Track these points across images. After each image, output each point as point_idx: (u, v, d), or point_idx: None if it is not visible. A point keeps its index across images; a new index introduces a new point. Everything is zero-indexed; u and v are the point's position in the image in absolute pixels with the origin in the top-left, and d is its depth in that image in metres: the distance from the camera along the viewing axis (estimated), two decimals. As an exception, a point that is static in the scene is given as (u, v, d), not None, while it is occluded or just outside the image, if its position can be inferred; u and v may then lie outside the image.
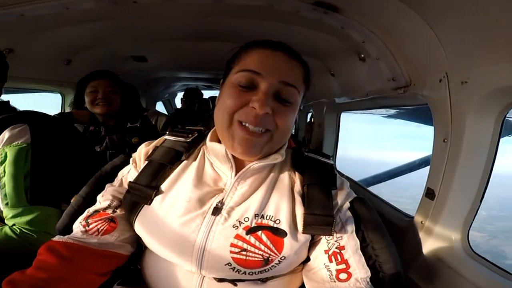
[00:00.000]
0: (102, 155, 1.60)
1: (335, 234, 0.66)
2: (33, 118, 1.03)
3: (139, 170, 0.72)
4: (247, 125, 0.62)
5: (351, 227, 0.68)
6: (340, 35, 1.14)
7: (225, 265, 0.61)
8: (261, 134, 0.64)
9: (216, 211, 0.64)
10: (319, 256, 0.68)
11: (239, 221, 0.63)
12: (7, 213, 0.92)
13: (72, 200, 0.81)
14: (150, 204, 0.66)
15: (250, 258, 0.61)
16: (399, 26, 0.96)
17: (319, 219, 0.65)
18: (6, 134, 0.94)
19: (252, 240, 0.62)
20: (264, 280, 0.67)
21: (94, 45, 1.79)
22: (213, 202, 0.65)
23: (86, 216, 0.69)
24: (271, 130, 0.65)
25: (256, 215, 0.64)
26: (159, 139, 0.78)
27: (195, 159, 0.73)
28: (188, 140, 0.75)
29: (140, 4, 1.09)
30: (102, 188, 0.75)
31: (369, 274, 0.66)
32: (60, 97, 2.21)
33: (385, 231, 0.72)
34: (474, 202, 0.90)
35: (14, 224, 0.92)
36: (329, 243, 0.67)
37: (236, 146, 0.64)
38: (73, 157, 1.11)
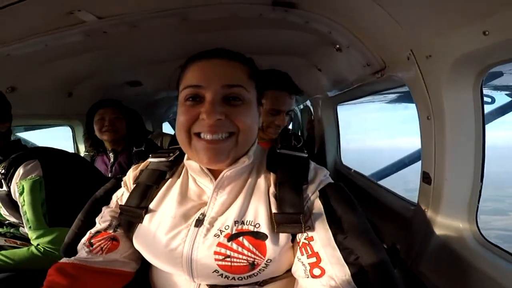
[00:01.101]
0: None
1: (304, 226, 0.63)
2: (42, 153, 1.16)
3: (129, 193, 0.76)
4: (205, 135, 0.64)
5: (319, 217, 0.64)
6: (308, 29, 1.14)
7: (213, 272, 0.63)
8: (224, 140, 0.64)
9: (199, 223, 0.66)
10: (296, 252, 0.66)
11: (220, 230, 0.64)
12: (31, 235, 1.05)
13: None
14: (142, 222, 0.70)
15: (235, 264, 0.62)
16: (358, 13, 0.96)
17: (288, 217, 0.63)
18: (20, 170, 1.06)
19: (235, 246, 0.62)
20: (260, 284, 0.67)
21: (90, 76, 1.88)
22: (196, 215, 0.68)
23: (88, 238, 0.72)
24: (234, 132, 0.65)
25: (236, 222, 0.65)
26: (144, 162, 0.82)
27: (179, 176, 0.76)
28: (170, 159, 0.79)
29: (111, 34, 1.16)
30: (98, 211, 0.79)
31: (347, 272, 0.58)
32: (70, 129, 2.34)
33: (363, 218, 0.64)
34: (474, 182, 0.85)
35: (38, 244, 1.04)
36: (299, 234, 0.65)
37: (201, 157, 0.65)
38: (83, 183, 1.19)
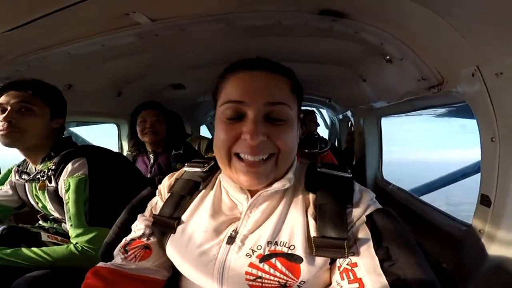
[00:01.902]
0: (151, 181, 1.72)
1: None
2: (90, 152, 1.20)
3: (163, 202, 0.77)
4: (246, 156, 0.61)
5: (365, 243, 0.59)
6: (357, 40, 1.08)
7: None
8: (263, 161, 0.61)
9: (231, 240, 0.64)
10: (334, 275, 0.61)
11: (252, 250, 0.61)
12: (72, 232, 1.08)
13: None
14: (175, 233, 0.70)
15: (266, 285, 0.59)
16: (414, 25, 0.88)
17: (330, 242, 0.59)
18: (69, 167, 1.11)
19: (266, 267, 0.59)
20: None
21: (138, 77, 1.98)
22: (228, 231, 0.66)
23: (124, 244, 0.73)
24: (274, 153, 0.62)
25: (269, 243, 0.61)
26: (179, 171, 0.83)
27: (212, 188, 0.75)
28: (205, 170, 0.78)
29: (162, 36, 1.20)
30: (134, 218, 0.80)
31: None
32: (116, 127, 2.48)
33: (414, 246, 0.58)
34: None
35: (77, 243, 1.07)
36: (340, 259, 0.60)
37: (241, 180, 0.63)
38: (126, 184, 1.23)
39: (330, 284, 0.62)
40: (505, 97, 0.72)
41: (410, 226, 1.32)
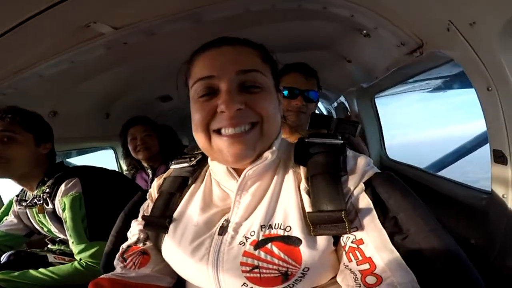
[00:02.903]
0: None
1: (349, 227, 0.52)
2: (82, 171, 1.22)
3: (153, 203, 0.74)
4: (226, 131, 0.57)
5: (368, 214, 0.53)
6: (328, 16, 1.04)
7: (242, 286, 0.55)
8: (247, 131, 0.58)
9: (222, 230, 0.59)
10: (342, 258, 0.55)
11: (245, 237, 0.57)
12: (74, 249, 1.09)
13: None
14: (168, 232, 0.67)
15: (265, 275, 0.53)
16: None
17: (327, 216, 0.53)
18: (62, 187, 1.13)
19: (263, 254, 0.54)
20: None
21: (123, 93, 1.93)
22: (220, 222, 0.62)
23: (121, 253, 0.71)
24: (257, 122, 0.58)
25: (262, 227, 0.56)
26: (168, 170, 0.80)
27: (202, 181, 0.71)
28: (192, 164, 0.75)
29: (131, 44, 1.17)
30: (129, 225, 0.77)
31: (412, 277, 0.46)
32: (112, 150, 2.42)
33: (425, 211, 0.51)
34: None
35: (81, 259, 1.08)
36: (343, 236, 0.54)
37: (226, 156, 0.58)
38: (123, 198, 1.24)
39: None
40: (486, 44, 0.67)
41: (428, 202, 1.25)
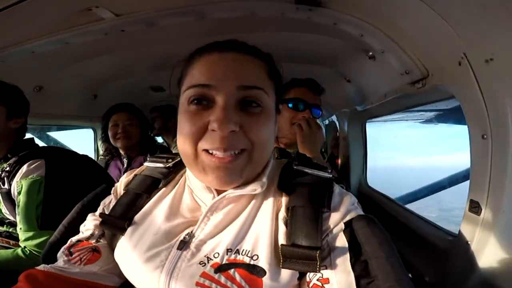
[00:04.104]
0: None
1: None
2: (50, 153, 1.14)
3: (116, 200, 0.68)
4: (215, 152, 0.52)
5: (341, 255, 0.51)
6: (337, 32, 1.01)
7: None
8: (236, 156, 0.53)
9: (183, 244, 0.55)
10: None
11: (208, 257, 0.53)
12: (21, 236, 1.03)
13: None
14: (124, 235, 0.61)
15: None
16: (395, 12, 0.82)
17: (300, 252, 0.50)
18: (24, 168, 1.05)
19: (223, 279, 0.50)
20: None
21: (114, 78, 1.87)
22: (182, 235, 0.57)
23: (68, 246, 0.65)
24: (247, 149, 0.54)
25: (228, 250, 0.53)
26: (141, 167, 0.74)
27: (174, 186, 0.66)
28: (167, 166, 0.69)
29: (129, 32, 1.12)
30: (85, 218, 0.71)
31: None
32: (92, 131, 2.36)
33: (397, 260, 0.50)
34: None
35: (25, 247, 1.01)
36: (310, 273, 0.52)
37: (210, 178, 0.54)
38: (89, 188, 1.18)
39: None
40: (497, 87, 0.64)
41: (393, 235, 1.26)
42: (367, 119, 1.86)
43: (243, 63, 0.55)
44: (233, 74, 0.53)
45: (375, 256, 0.50)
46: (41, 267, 0.61)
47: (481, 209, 0.74)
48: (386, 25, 0.89)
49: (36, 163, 1.06)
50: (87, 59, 1.45)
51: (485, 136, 0.71)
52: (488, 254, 0.73)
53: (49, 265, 0.61)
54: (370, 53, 1.12)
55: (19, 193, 1.02)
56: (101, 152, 2.20)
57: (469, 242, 0.78)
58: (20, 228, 1.01)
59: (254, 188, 0.56)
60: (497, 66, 0.63)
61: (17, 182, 1.03)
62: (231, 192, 0.56)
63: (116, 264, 0.62)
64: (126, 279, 0.63)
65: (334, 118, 2.33)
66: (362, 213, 0.56)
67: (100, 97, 2.01)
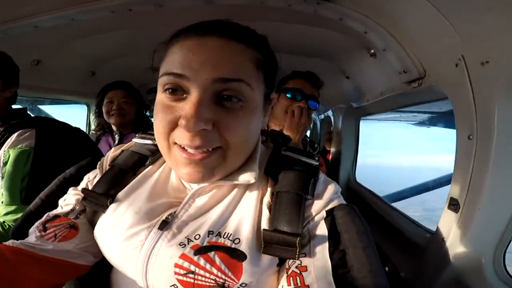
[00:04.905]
0: None
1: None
2: (42, 123, 1.11)
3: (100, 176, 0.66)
4: (186, 147, 0.50)
5: (320, 243, 0.52)
6: (342, 28, 1.03)
7: (170, 286, 0.51)
8: (209, 152, 0.50)
9: (165, 224, 0.55)
10: (282, 278, 0.53)
11: (188, 238, 0.52)
12: (2, 210, 0.98)
13: None
14: (105, 212, 0.60)
15: (199, 282, 0.50)
16: (400, 10, 0.84)
17: (281, 238, 0.50)
18: (13, 137, 1.01)
19: (202, 262, 0.50)
20: None
21: (115, 56, 1.85)
22: (164, 214, 0.56)
23: (44, 221, 0.62)
24: (221, 146, 0.51)
25: (210, 233, 0.53)
26: (130, 142, 0.72)
27: (161, 165, 0.65)
28: (156, 143, 0.67)
29: (137, 12, 1.11)
30: (65, 192, 0.68)
31: None
32: (86, 107, 2.36)
33: (373, 251, 0.52)
34: None
35: (4, 222, 0.97)
36: (289, 260, 0.53)
37: (181, 172, 0.52)
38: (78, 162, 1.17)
39: None
40: (489, 89, 0.68)
41: (376, 230, 1.34)
42: (362, 116, 1.90)
43: (225, 51, 0.49)
44: (210, 65, 0.48)
45: (353, 246, 0.51)
46: (9, 242, 0.57)
47: (459, 207, 0.78)
48: (389, 23, 0.91)
49: (27, 133, 1.02)
50: (90, 36, 1.43)
51: (471, 137, 0.74)
52: (460, 251, 0.77)
53: (19, 240, 0.57)
54: (372, 51, 1.15)
55: (5, 163, 0.98)
56: (92, 127, 2.21)
57: (444, 239, 0.82)
58: (2, 202, 0.97)
59: (247, 179, 0.55)
60: (491, 69, 0.66)
61: (4, 151, 0.99)
62: (221, 182, 0.56)
63: (92, 242, 0.61)
64: (100, 259, 0.63)
65: (330, 113, 2.37)
66: (344, 202, 0.57)
67: (98, 74, 1.98)
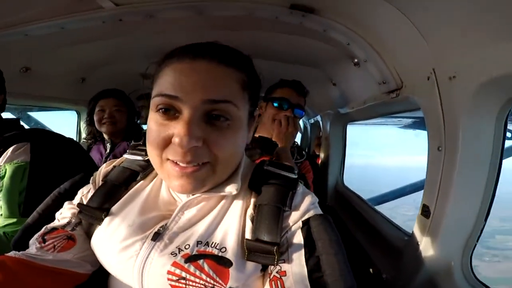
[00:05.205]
0: None
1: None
2: (37, 136, 1.11)
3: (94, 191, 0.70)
4: (178, 162, 0.54)
5: (297, 251, 0.58)
6: (326, 38, 1.09)
7: None
8: (199, 166, 0.55)
9: (157, 236, 0.59)
10: (265, 283, 0.59)
11: (179, 248, 0.57)
12: (1, 222, 0.99)
13: None
14: (101, 225, 0.64)
15: (190, 287, 0.55)
16: (380, 24, 0.90)
17: (261, 247, 0.56)
18: (9, 151, 1.01)
19: (192, 268, 0.55)
20: None
21: (104, 63, 1.87)
22: (156, 227, 0.61)
23: (42, 233, 0.65)
24: (210, 161, 0.56)
25: (198, 243, 0.58)
26: (120, 158, 0.76)
27: (152, 180, 0.69)
28: (146, 159, 0.70)
29: (127, 22, 1.14)
30: (60, 206, 0.71)
31: None
32: (76, 114, 2.35)
33: (343, 256, 0.58)
34: (478, 221, 0.78)
35: (4, 232, 0.98)
36: (271, 266, 0.58)
37: (174, 184, 0.57)
38: (73, 173, 1.17)
39: None
40: (455, 104, 0.73)
41: (361, 233, 1.39)
42: (348, 122, 1.97)
43: (214, 75, 0.54)
44: (201, 88, 0.52)
45: (326, 252, 0.56)
46: (11, 253, 0.59)
47: (430, 213, 0.83)
48: (370, 36, 0.97)
49: (22, 148, 1.02)
50: (80, 44, 1.44)
51: (440, 148, 0.80)
52: (432, 254, 0.83)
53: (20, 252, 0.60)
54: (356, 60, 1.20)
55: (2, 177, 0.99)
56: (83, 135, 2.18)
57: (419, 243, 0.87)
58: (1, 215, 0.99)
59: (230, 190, 0.60)
60: (458, 84, 0.71)
61: (0, 166, 1.00)
62: (207, 194, 0.61)
63: (90, 252, 0.65)
64: (98, 267, 0.66)
65: (319, 118, 2.44)
66: (320, 212, 0.62)
67: (88, 81, 1.99)
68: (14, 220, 0.98)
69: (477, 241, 0.80)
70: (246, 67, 0.60)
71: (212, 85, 0.54)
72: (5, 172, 0.99)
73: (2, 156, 1.01)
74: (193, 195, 0.61)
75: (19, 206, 0.99)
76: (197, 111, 0.52)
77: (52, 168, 1.08)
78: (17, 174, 0.99)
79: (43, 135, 1.16)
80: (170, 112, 0.54)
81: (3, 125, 1.09)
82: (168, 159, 0.55)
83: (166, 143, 0.54)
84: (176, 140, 0.51)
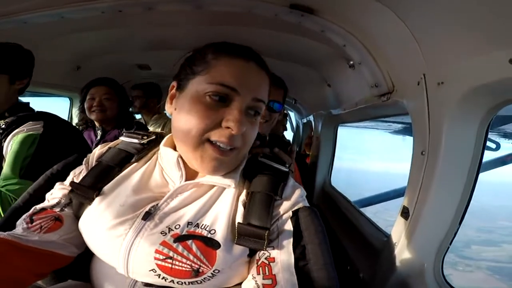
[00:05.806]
0: None
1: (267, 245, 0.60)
2: (49, 117, 1.19)
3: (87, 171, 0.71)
4: (219, 144, 0.60)
5: (286, 239, 0.61)
6: (323, 39, 1.11)
7: (150, 271, 0.57)
8: (230, 151, 0.62)
9: (147, 215, 0.61)
10: (252, 268, 0.62)
11: (169, 228, 0.60)
12: (0, 183, 1.02)
13: None
14: (91, 204, 0.65)
15: (176, 267, 0.56)
16: (377, 27, 0.92)
17: (252, 231, 0.59)
18: (23, 126, 1.08)
19: (180, 248, 0.57)
20: None
21: (102, 53, 1.87)
22: (147, 207, 0.63)
23: (31, 213, 0.66)
24: (239, 146, 0.63)
25: (189, 223, 0.60)
26: (116, 140, 0.77)
27: (145, 163, 0.71)
28: (142, 142, 0.74)
29: (126, 13, 1.14)
30: (52, 187, 0.72)
31: None
32: (69, 100, 2.36)
33: (327, 247, 0.62)
34: (452, 224, 0.81)
35: (1, 191, 1.01)
36: (260, 252, 0.61)
37: (206, 166, 0.62)
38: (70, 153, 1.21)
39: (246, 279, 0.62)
40: (441, 109, 0.76)
41: (343, 231, 1.44)
42: (340, 124, 2.00)
43: (261, 77, 0.65)
44: (253, 86, 0.63)
45: (311, 242, 0.61)
46: None
47: (409, 215, 0.86)
48: (367, 39, 0.99)
49: (35, 124, 1.10)
50: (79, 32, 1.44)
51: (423, 153, 0.83)
52: (407, 256, 0.86)
53: (6, 232, 0.60)
54: (351, 62, 1.22)
55: (12, 145, 1.04)
56: (75, 121, 2.20)
57: (396, 244, 0.90)
58: (0, 177, 1.02)
59: (229, 183, 0.65)
60: (445, 90, 0.74)
61: (13, 137, 1.05)
62: (205, 180, 0.65)
63: (76, 234, 0.66)
64: (83, 251, 0.68)
65: (311, 118, 2.47)
66: (308, 205, 0.67)
67: (83, 69, 2.00)
68: (15, 180, 1.02)
69: (450, 244, 0.83)
70: (271, 79, 0.69)
71: (260, 86, 0.64)
72: (16, 140, 1.04)
73: (16, 130, 1.06)
74: (192, 175, 0.66)
75: (20, 169, 1.03)
76: (247, 105, 0.62)
77: (58, 148, 1.13)
78: (27, 141, 1.05)
79: (53, 117, 1.24)
80: (222, 99, 0.60)
81: (19, 106, 1.16)
82: (207, 141, 0.60)
83: (214, 125, 0.60)
84: (231, 124, 0.58)
